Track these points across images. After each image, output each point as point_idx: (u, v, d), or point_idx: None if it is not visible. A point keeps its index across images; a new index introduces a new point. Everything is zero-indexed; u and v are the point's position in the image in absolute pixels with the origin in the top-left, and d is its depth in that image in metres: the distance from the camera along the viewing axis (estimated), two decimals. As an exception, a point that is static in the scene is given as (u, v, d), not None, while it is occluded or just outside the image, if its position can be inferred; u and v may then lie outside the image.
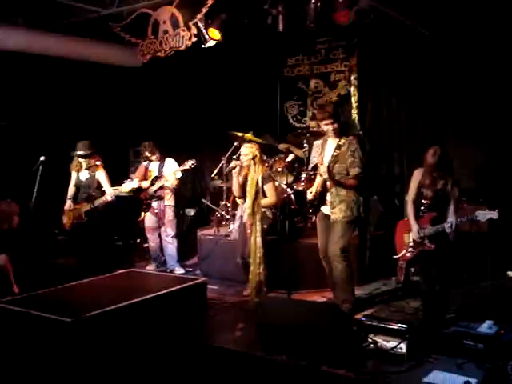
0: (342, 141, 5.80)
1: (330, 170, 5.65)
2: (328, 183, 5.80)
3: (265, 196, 6.54)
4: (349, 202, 5.75)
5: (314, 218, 6.61)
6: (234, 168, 6.61)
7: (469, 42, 7.27)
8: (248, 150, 6.53)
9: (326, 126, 5.84)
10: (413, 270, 6.01)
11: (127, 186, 7.55)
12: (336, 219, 5.78)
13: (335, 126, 5.79)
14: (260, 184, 6.43)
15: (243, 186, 6.61)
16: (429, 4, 6.96)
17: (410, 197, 5.40)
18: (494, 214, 4.92)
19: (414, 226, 5.28)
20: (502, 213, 6.64)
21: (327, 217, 5.92)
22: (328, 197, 5.87)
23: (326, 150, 5.98)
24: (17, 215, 6.80)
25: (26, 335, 4.75)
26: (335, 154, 5.79)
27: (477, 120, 7.40)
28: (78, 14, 7.78)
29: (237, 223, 7.28)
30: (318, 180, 6.04)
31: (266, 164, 7.45)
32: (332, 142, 5.91)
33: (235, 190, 6.78)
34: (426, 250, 5.20)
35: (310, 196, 6.07)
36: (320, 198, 5.97)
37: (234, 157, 7.26)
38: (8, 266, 6.39)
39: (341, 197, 5.76)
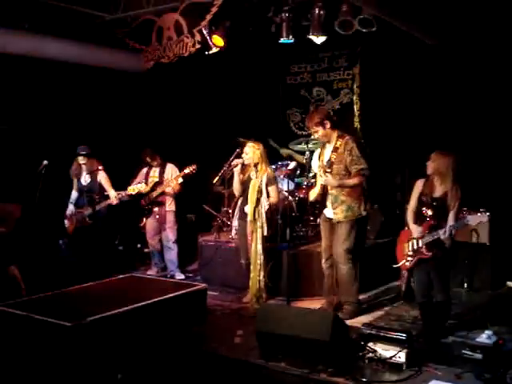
0: (338, 143, 5.89)
1: (330, 171, 5.75)
2: (323, 178, 5.85)
3: (268, 196, 6.55)
4: (350, 202, 5.82)
5: (317, 221, 6.62)
6: (236, 166, 6.64)
7: (471, 52, 7.31)
8: (250, 150, 6.55)
9: (316, 134, 5.97)
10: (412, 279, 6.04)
11: (134, 189, 7.53)
12: (338, 219, 5.85)
13: (325, 131, 5.90)
14: (263, 186, 6.45)
15: (244, 184, 6.64)
16: (432, 14, 6.98)
17: (410, 207, 5.42)
18: (484, 218, 4.93)
19: (413, 228, 5.30)
20: (503, 223, 6.70)
21: (330, 219, 5.96)
22: (328, 199, 5.92)
23: (324, 155, 6.05)
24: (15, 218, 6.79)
25: (26, 339, 4.76)
26: (333, 156, 5.87)
27: (480, 129, 7.42)
28: (82, 19, 7.80)
29: (236, 222, 7.29)
30: (319, 183, 6.05)
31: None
32: (329, 146, 6.00)
33: (235, 188, 6.80)
34: (424, 259, 5.21)
35: (312, 197, 6.10)
36: (322, 201, 6.01)
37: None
38: (18, 275, 6.38)
39: (341, 198, 5.84)
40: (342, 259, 5.85)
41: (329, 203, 5.94)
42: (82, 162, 7.42)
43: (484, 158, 7.44)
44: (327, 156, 5.99)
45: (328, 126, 5.91)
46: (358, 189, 5.88)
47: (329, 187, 5.91)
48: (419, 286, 5.38)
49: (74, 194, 7.59)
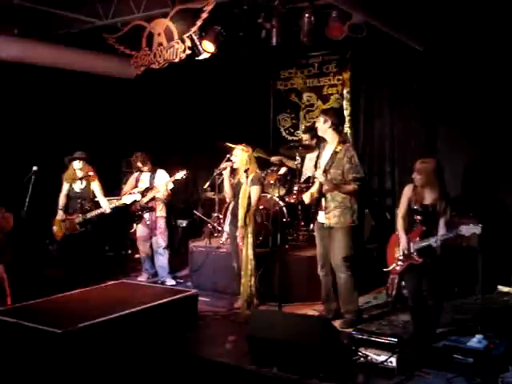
0: (339, 148, 5.85)
1: (326, 175, 5.71)
2: (324, 188, 5.80)
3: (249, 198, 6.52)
4: (343, 208, 5.79)
5: (310, 227, 6.59)
6: (225, 169, 6.63)
7: (460, 57, 7.35)
8: (240, 153, 6.55)
9: (317, 123, 6.05)
10: (403, 283, 6.05)
11: (129, 199, 7.50)
12: (330, 225, 5.81)
13: (321, 126, 5.94)
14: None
15: (234, 189, 6.64)
16: (421, 21, 7.03)
17: (400, 212, 5.44)
18: (478, 229, 4.94)
19: (403, 238, 5.31)
20: (492, 227, 6.73)
21: (324, 225, 5.93)
22: (323, 202, 5.88)
23: (322, 157, 6.01)
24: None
25: (16, 346, 4.73)
26: (331, 160, 5.84)
27: (468, 133, 7.46)
28: (72, 25, 7.79)
29: (227, 227, 7.27)
30: (317, 185, 6.01)
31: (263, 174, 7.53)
32: (329, 149, 5.96)
33: (226, 192, 6.79)
34: (415, 264, 5.23)
35: (307, 200, 6.06)
36: (317, 205, 5.97)
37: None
38: (4, 276, 6.35)
39: (336, 202, 5.80)
40: (341, 268, 5.80)
41: (323, 206, 5.88)
42: (77, 167, 7.37)
43: (473, 161, 7.47)
44: (325, 159, 5.94)
45: (328, 124, 5.89)
46: (352, 196, 5.87)
47: (323, 190, 5.85)
48: (410, 290, 5.39)
49: (63, 200, 7.51)
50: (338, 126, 5.97)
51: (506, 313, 6.10)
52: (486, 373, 4.32)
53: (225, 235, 7.61)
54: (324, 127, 5.95)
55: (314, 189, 6.02)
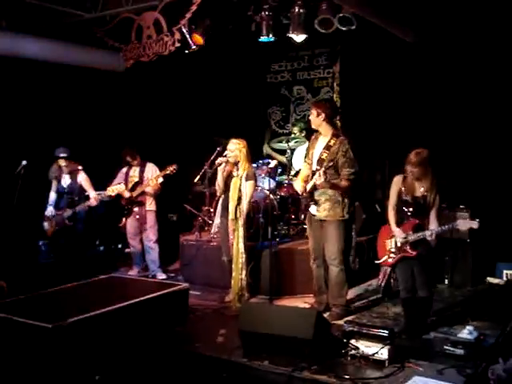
0: (332, 141, 5.78)
1: (326, 175, 5.57)
2: (318, 184, 5.67)
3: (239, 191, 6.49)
4: (334, 201, 5.74)
5: (301, 218, 6.55)
6: (220, 165, 6.61)
7: (451, 50, 7.36)
8: (234, 147, 6.53)
9: (310, 115, 5.92)
10: (394, 275, 6.06)
11: (113, 190, 7.48)
12: (320, 217, 5.79)
13: (315, 119, 5.85)
14: (243, 183, 6.43)
15: (226, 181, 6.61)
16: (411, 12, 7.03)
17: (390, 204, 5.43)
18: (475, 224, 4.96)
19: (396, 231, 5.31)
20: (482, 220, 6.75)
21: (316, 217, 5.90)
22: (315, 194, 5.82)
23: (315, 150, 5.93)
24: None
25: (6, 341, 4.70)
26: (324, 154, 5.76)
27: (458, 126, 7.48)
28: (61, 18, 7.73)
29: (217, 220, 7.26)
30: (312, 182, 5.77)
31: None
32: (322, 142, 5.89)
33: (218, 185, 6.74)
34: (408, 257, 5.23)
35: (299, 188, 5.98)
36: (309, 197, 5.89)
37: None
38: None
39: (326, 195, 5.75)
40: (335, 261, 5.79)
41: (315, 198, 5.84)
42: (62, 164, 7.32)
43: (463, 154, 7.50)
44: (317, 153, 5.86)
45: (322, 116, 5.80)
46: (349, 190, 5.79)
47: (316, 186, 5.73)
48: (403, 281, 5.38)
49: (53, 196, 7.47)
50: (331, 119, 5.92)
51: (496, 304, 6.12)
52: (477, 364, 4.33)
53: (214, 229, 7.59)
54: (317, 120, 5.86)
55: (310, 186, 5.85)
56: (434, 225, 5.12)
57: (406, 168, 5.23)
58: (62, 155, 7.24)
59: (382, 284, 6.53)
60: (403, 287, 5.38)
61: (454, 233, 6.28)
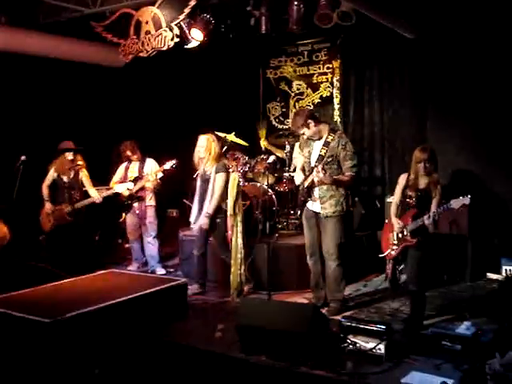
0: (330, 137, 5.76)
1: (325, 172, 5.55)
2: (318, 182, 5.66)
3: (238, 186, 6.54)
4: (339, 196, 5.74)
5: (298, 214, 6.55)
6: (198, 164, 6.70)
7: (451, 44, 7.33)
8: (204, 142, 6.59)
9: (304, 135, 5.88)
10: (399, 268, 6.08)
11: (122, 187, 7.50)
12: (326, 214, 5.76)
13: (311, 130, 5.78)
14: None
15: (201, 178, 6.71)
16: (411, 8, 7.01)
17: (394, 201, 5.51)
18: (466, 200, 5.00)
19: (395, 221, 5.40)
20: (482, 215, 6.76)
21: (315, 214, 5.88)
22: (316, 192, 5.81)
23: (313, 148, 5.89)
24: None
25: (4, 336, 4.72)
26: (324, 150, 5.74)
27: (459, 121, 7.46)
28: (60, 13, 7.72)
29: (194, 213, 6.93)
30: (310, 178, 5.82)
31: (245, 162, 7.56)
32: (320, 140, 5.86)
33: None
34: (409, 246, 5.28)
35: (298, 181, 6.00)
36: (307, 193, 5.90)
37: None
38: None
39: (331, 192, 5.74)
40: (333, 256, 5.79)
41: (316, 197, 5.83)
42: (69, 157, 7.33)
43: (462, 149, 7.48)
44: (317, 150, 5.83)
45: (313, 124, 5.75)
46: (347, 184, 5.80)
47: (316, 183, 5.74)
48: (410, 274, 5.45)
49: (46, 190, 7.42)
50: (316, 119, 5.88)
51: (495, 300, 6.13)
52: (474, 359, 4.34)
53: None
54: (312, 129, 5.78)
55: (308, 182, 5.86)
56: (432, 211, 5.17)
57: (416, 165, 5.30)
58: (69, 147, 7.26)
59: (389, 277, 6.53)
60: (408, 281, 5.46)
61: (453, 228, 6.31)
